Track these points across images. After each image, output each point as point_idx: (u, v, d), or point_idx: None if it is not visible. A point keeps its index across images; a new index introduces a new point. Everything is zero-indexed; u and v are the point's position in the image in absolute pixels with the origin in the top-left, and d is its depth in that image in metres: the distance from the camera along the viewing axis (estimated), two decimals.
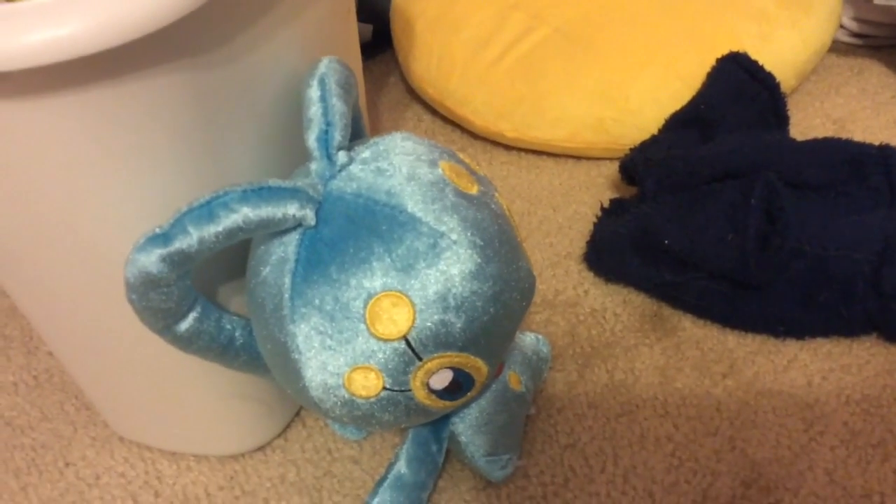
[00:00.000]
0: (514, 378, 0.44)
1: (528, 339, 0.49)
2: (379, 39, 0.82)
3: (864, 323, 0.52)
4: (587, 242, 0.60)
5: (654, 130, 0.65)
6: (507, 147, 0.72)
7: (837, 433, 0.48)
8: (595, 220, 0.61)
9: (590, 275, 0.59)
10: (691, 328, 0.55)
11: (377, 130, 0.76)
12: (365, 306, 0.33)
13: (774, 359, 0.52)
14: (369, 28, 0.82)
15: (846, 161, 0.55)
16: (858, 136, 0.62)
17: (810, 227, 0.52)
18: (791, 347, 0.53)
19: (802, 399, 0.50)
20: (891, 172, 0.55)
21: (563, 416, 0.50)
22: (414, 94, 0.80)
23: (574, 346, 0.54)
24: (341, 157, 0.35)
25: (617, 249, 0.57)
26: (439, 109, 0.74)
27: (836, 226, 0.52)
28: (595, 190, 0.67)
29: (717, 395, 0.51)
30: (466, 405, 0.42)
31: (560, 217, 0.64)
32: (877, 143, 0.57)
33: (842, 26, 0.78)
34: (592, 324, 0.56)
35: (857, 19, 0.77)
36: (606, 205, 0.61)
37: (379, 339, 0.33)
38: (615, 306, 0.57)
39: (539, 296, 0.58)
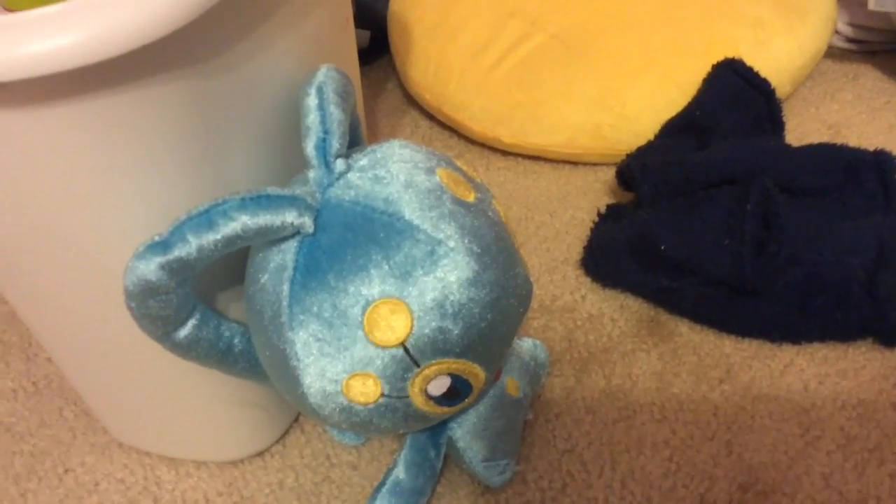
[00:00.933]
0: (511, 384, 0.45)
1: (525, 345, 0.50)
2: (376, 46, 0.83)
3: (859, 328, 0.52)
4: (584, 248, 0.60)
5: (651, 136, 0.66)
6: (505, 153, 0.72)
7: (834, 438, 0.48)
8: (592, 225, 0.61)
9: (587, 280, 0.59)
10: (688, 333, 0.55)
11: (375, 137, 0.76)
12: (363, 313, 0.33)
13: (771, 364, 0.53)
14: (367, 35, 0.82)
15: (841, 167, 0.56)
16: (854, 142, 0.62)
17: (806, 232, 0.52)
18: (787, 352, 0.53)
19: (799, 404, 0.50)
20: (885, 178, 0.56)
21: (561, 421, 0.50)
22: (411, 101, 0.80)
23: (571, 351, 0.55)
24: (339, 164, 0.35)
25: (614, 255, 0.57)
26: (437, 115, 0.75)
27: (831, 231, 0.53)
28: (592, 195, 0.67)
29: (714, 399, 0.51)
30: (464, 411, 0.42)
31: (557, 223, 0.65)
32: (872, 148, 0.58)
33: (837, 32, 0.78)
34: (590, 329, 0.56)
35: (852, 25, 0.77)
36: (603, 210, 0.62)
37: (377, 345, 0.33)
38: (612, 311, 0.57)
39: (536, 301, 0.58)
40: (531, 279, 0.39)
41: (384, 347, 0.33)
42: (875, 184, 0.55)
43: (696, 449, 0.48)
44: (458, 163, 0.39)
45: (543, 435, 0.50)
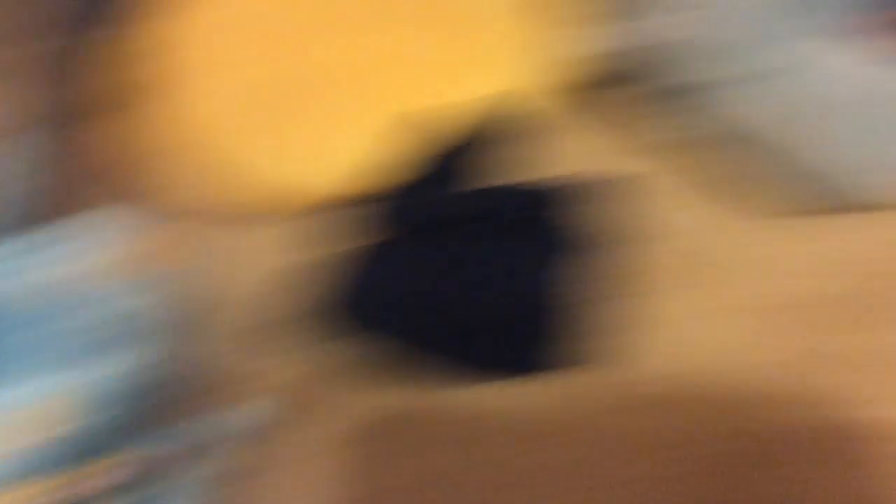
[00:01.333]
0: (209, 462, 0.44)
1: (230, 416, 0.49)
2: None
3: (526, 362, 0.56)
4: (306, 302, 0.58)
5: (374, 187, 0.63)
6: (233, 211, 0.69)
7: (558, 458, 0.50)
8: (315, 278, 0.59)
9: (310, 335, 0.57)
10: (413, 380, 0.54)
11: (68, 210, 0.69)
12: (25, 407, 0.31)
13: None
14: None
15: (520, 203, 0.60)
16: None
17: (477, 272, 0.57)
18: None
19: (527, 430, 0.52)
20: (563, 210, 0.59)
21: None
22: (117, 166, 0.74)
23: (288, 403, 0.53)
24: (12, 247, 0.33)
25: (335, 309, 0.56)
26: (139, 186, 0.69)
27: (499, 269, 0.58)
28: (298, 249, 0.65)
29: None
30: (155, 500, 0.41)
31: (259, 281, 0.62)
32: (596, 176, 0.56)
33: (558, 67, 0.73)
34: (303, 385, 0.54)
35: (577, 55, 0.68)
36: (323, 264, 0.60)
37: (43, 441, 0.31)
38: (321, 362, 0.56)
39: (232, 372, 0.55)
40: (228, 349, 0.39)
41: (48, 443, 0.31)
42: (550, 217, 0.60)
43: None
44: (173, 226, 0.38)
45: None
